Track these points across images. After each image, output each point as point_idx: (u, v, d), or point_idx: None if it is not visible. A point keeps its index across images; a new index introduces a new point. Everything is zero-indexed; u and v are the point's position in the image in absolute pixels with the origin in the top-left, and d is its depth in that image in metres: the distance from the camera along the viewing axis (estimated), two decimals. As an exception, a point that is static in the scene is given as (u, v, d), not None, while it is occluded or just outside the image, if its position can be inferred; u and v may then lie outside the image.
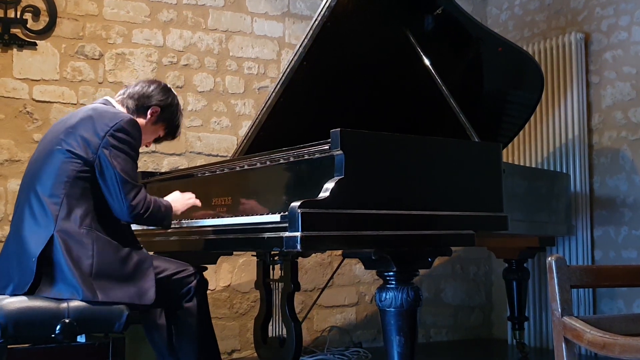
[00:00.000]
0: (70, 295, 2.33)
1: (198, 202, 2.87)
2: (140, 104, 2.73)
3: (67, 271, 2.33)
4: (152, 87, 2.77)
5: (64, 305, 2.29)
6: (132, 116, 2.60)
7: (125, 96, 2.75)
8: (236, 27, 4.56)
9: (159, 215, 2.59)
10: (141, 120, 2.70)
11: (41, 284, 2.36)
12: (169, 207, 2.65)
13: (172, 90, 2.86)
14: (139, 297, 2.45)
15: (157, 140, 2.90)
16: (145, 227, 3.00)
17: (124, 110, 2.70)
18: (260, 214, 2.61)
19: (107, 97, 2.75)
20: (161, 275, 2.63)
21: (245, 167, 2.89)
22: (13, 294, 2.36)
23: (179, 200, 2.81)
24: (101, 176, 2.46)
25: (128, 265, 2.48)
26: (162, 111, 2.76)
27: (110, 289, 2.38)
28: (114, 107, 2.68)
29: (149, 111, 2.73)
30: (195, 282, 2.72)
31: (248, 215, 2.66)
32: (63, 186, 2.44)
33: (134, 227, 2.71)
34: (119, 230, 2.54)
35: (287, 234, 2.24)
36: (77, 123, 2.53)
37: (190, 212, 2.90)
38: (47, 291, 2.35)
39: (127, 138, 2.50)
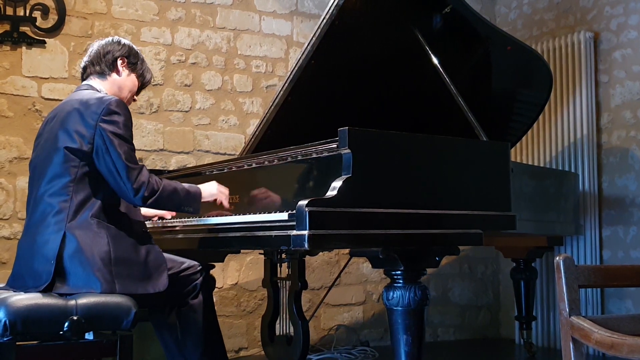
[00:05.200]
0: (87, 288, 2.34)
1: (226, 203, 2.84)
2: (109, 62, 2.70)
3: (84, 262, 2.35)
4: (104, 44, 2.73)
5: (72, 302, 2.29)
6: (115, 97, 2.56)
7: (93, 68, 2.71)
8: (244, 25, 4.57)
9: (175, 199, 2.58)
10: (118, 77, 2.70)
11: (56, 282, 2.36)
12: (191, 192, 2.65)
13: (120, 38, 2.81)
14: (153, 286, 2.48)
15: (137, 92, 2.85)
16: (159, 220, 3.04)
17: (103, 83, 2.68)
18: (268, 212, 2.61)
19: (87, 82, 2.71)
20: (168, 273, 2.64)
21: (253, 165, 2.89)
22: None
23: (214, 186, 2.79)
24: (100, 164, 2.45)
25: (141, 254, 2.50)
26: (128, 59, 2.73)
27: (128, 276, 2.41)
28: (95, 89, 2.66)
29: (118, 65, 2.71)
30: (201, 278, 2.74)
31: (256, 214, 2.66)
32: (69, 185, 2.44)
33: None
34: (130, 223, 2.56)
35: (294, 232, 2.23)
36: (66, 118, 2.52)
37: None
38: (62, 287, 2.35)
39: (117, 119, 2.47)
